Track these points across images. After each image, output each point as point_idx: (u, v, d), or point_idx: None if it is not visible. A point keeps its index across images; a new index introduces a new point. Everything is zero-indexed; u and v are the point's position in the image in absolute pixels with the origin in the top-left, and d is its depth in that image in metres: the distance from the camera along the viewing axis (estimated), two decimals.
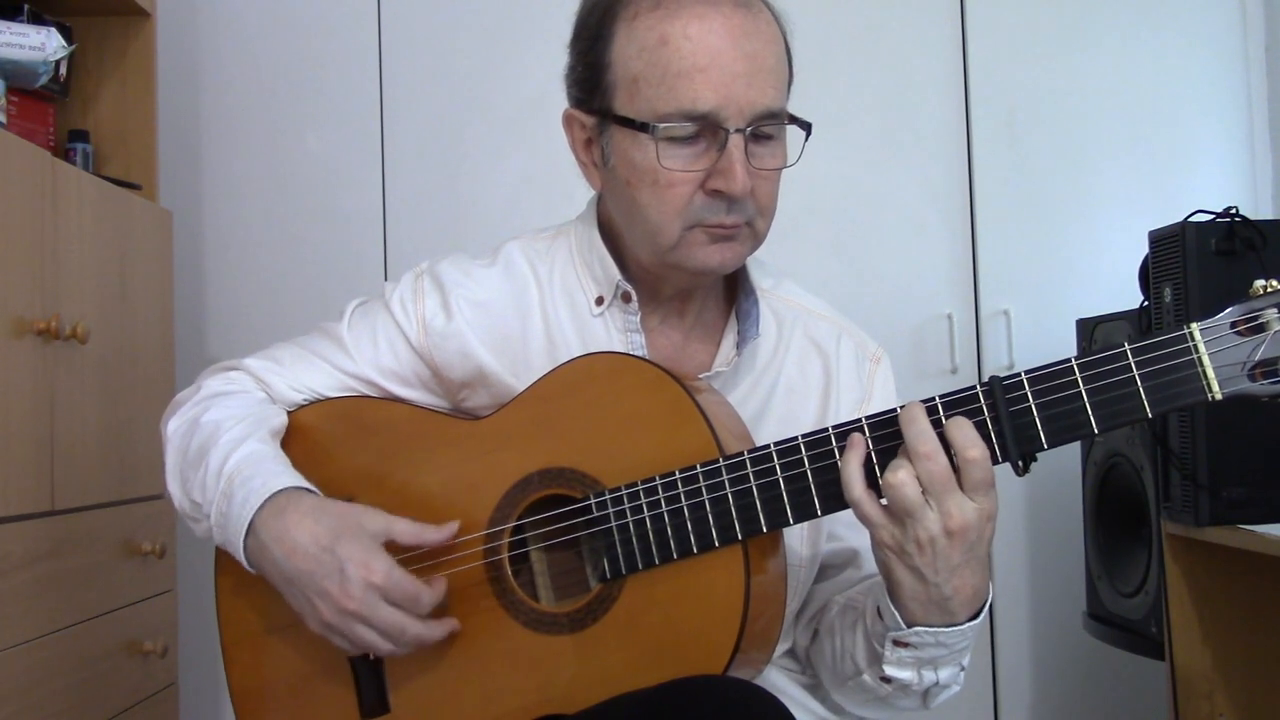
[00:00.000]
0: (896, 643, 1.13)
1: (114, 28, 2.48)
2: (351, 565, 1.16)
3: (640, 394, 1.17)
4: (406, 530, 1.20)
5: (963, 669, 1.18)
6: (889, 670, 1.15)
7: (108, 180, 2.28)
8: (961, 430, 1.04)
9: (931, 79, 2.83)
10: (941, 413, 1.07)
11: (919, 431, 1.05)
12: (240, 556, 1.22)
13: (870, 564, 1.28)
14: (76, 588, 2.03)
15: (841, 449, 1.09)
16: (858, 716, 1.33)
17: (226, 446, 1.25)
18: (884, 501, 1.07)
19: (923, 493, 1.05)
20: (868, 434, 1.09)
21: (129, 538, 2.22)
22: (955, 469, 1.05)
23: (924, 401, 1.08)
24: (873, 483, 1.08)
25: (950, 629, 1.11)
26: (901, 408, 1.08)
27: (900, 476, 1.05)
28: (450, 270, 1.35)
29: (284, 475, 1.24)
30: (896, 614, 1.11)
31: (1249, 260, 1.92)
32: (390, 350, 1.34)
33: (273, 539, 1.19)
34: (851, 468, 1.08)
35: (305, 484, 1.24)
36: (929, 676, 1.15)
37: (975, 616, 1.12)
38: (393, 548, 1.20)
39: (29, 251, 1.91)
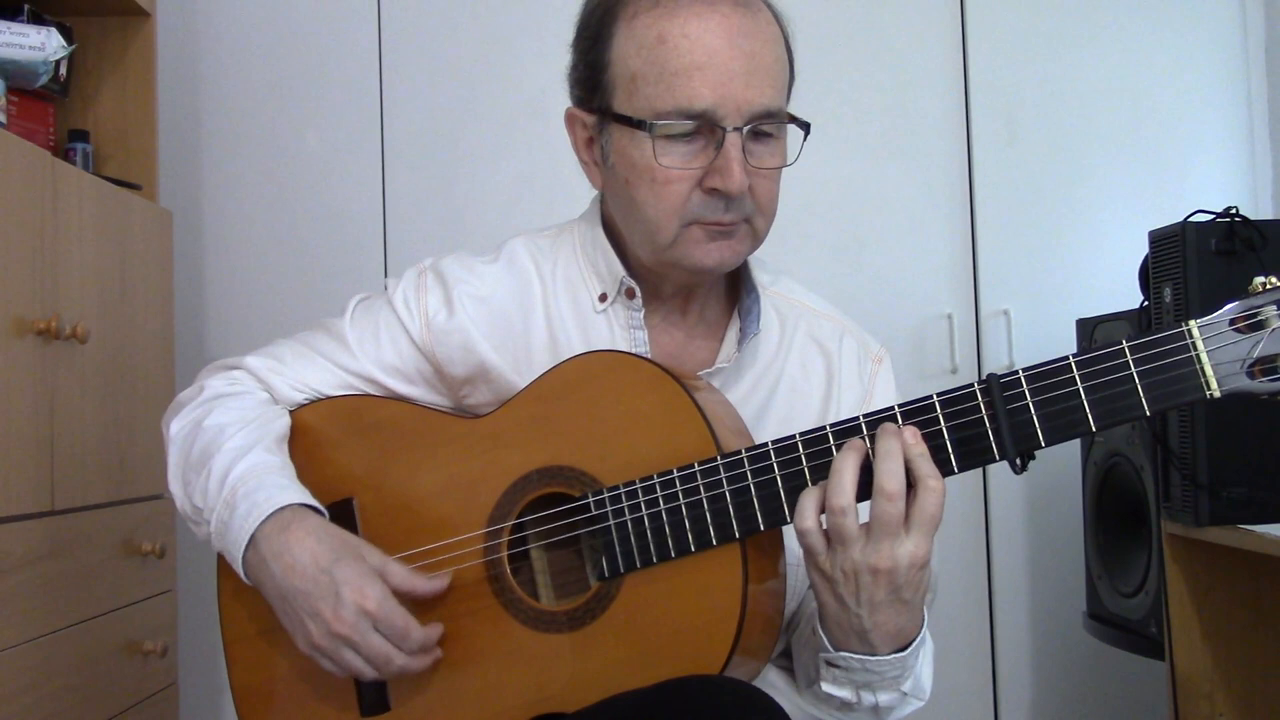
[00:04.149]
0: (828, 663, 1.14)
1: (114, 28, 2.48)
2: (347, 589, 1.16)
3: (639, 392, 1.17)
4: (399, 574, 1.20)
5: (905, 694, 1.17)
6: (826, 688, 1.16)
7: (108, 180, 2.28)
8: (887, 474, 1.04)
9: (931, 79, 2.83)
10: (939, 410, 1.07)
11: (889, 470, 1.05)
12: (238, 568, 1.22)
13: None
14: (76, 588, 2.03)
15: (839, 447, 1.09)
16: None
17: (230, 454, 1.25)
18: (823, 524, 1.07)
19: (864, 526, 1.05)
20: (864, 430, 1.09)
21: (129, 538, 2.22)
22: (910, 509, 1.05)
23: (921, 400, 1.08)
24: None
25: (874, 658, 1.11)
26: (876, 428, 1.07)
27: (842, 504, 1.05)
28: (453, 266, 1.35)
29: (289, 490, 1.23)
30: (824, 638, 1.13)
31: (1249, 260, 1.92)
32: (393, 346, 1.34)
33: (273, 554, 1.19)
34: (808, 501, 1.08)
35: (311, 501, 1.24)
36: (868, 698, 1.16)
37: (901, 650, 1.12)
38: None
39: (29, 251, 1.91)
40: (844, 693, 1.15)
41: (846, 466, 1.06)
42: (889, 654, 1.11)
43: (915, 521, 1.05)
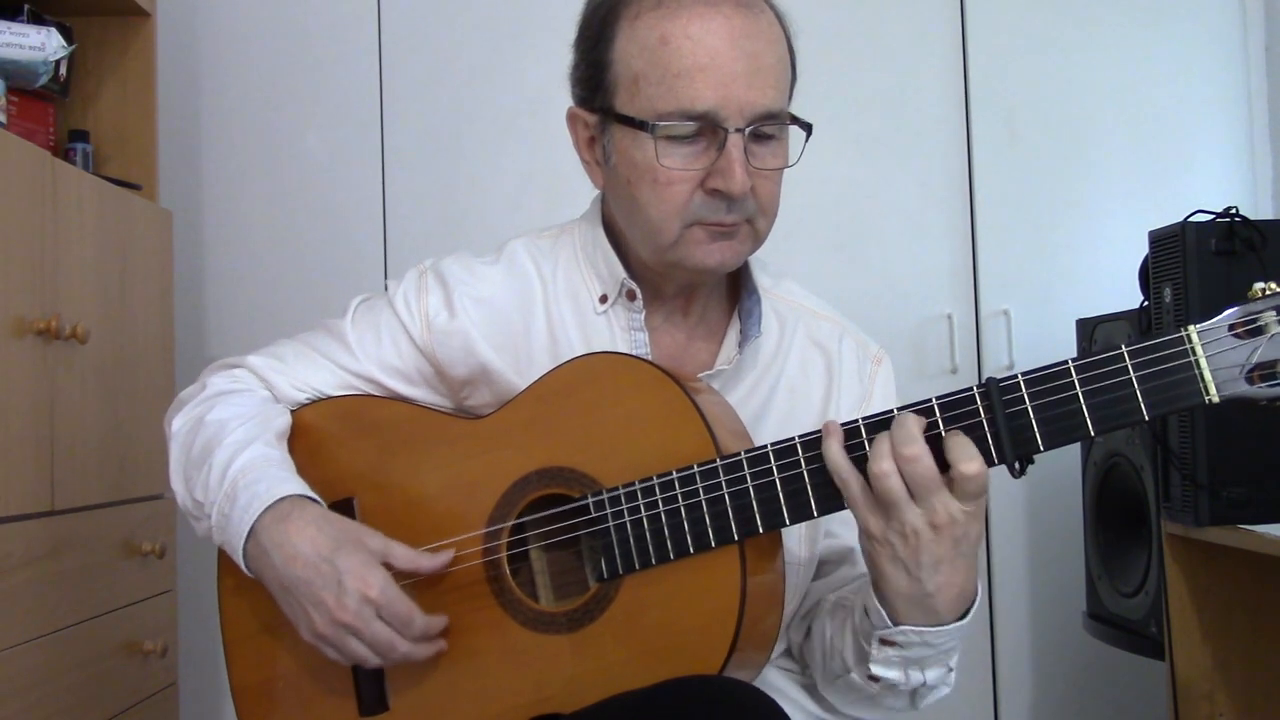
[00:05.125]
0: (883, 641, 1.13)
1: (114, 28, 2.48)
2: (349, 577, 1.16)
3: (639, 394, 1.17)
4: (403, 554, 1.21)
5: (950, 670, 1.17)
6: (875, 670, 1.15)
7: (108, 180, 2.28)
8: (961, 446, 1.04)
9: (931, 79, 2.83)
10: (939, 414, 1.07)
11: (906, 435, 1.05)
12: (239, 560, 1.22)
13: (864, 562, 1.28)
14: (76, 588, 2.03)
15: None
16: (851, 716, 1.33)
17: (231, 448, 1.26)
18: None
19: (908, 491, 1.05)
20: (864, 434, 1.09)
21: (129, 538, 2.23)
22: (949, 477, 1.05)
23: (920, 403, 1.08)
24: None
25: (936, 629, 1.11)
26: (898, 412, 1.08)
27: (884, 466, 1.05)
28: (454, 267, 1.36)
29: (289, 482, 1.24)
30: (882, 611, 1.11)
31: (1249, 260, 1.92)
32: (394, 347, 1.34)
33: (274, 544, 1.19)
34: (834, 450, 1.08)
35: (310, 493, 1.24)
36: (916, 677, 1.15)
37: (962, 617, 1.12)
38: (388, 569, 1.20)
39: (29, 251, 1.91)
40: (893, 674, 1.15)
41: (882, 438, 1.06)
42: (952, 622, 1.11)
43: (960, 495, 1.05)
